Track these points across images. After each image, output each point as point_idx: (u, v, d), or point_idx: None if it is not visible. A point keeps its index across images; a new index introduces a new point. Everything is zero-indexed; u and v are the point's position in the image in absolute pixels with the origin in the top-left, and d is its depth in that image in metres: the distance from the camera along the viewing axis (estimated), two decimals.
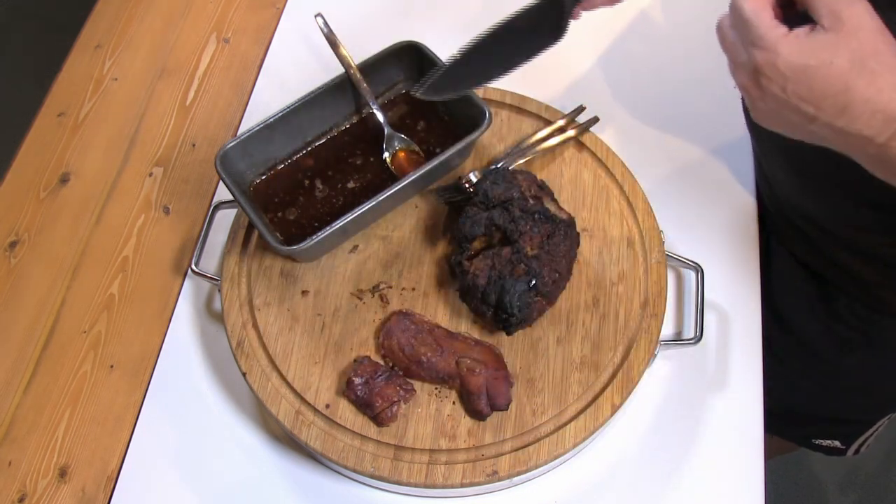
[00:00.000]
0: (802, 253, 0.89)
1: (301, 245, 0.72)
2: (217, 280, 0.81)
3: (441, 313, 0.77)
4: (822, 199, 0.80)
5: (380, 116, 0.83)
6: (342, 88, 0.83)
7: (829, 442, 1.09)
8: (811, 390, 1.00)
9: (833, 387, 0.98)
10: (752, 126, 0.91)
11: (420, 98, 0.70)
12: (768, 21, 0.53)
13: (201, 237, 0.83)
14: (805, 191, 0.81)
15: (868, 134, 0.52)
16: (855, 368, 0.93)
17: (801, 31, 0.52)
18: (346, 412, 0.72)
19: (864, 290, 0.84)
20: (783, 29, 0.52)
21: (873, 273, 0.81)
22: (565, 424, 0.70)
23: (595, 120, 0.86)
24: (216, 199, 0.91)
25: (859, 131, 0.52)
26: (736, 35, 0.55)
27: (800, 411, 1.06)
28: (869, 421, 1.03)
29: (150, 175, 0.94)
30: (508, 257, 0.72)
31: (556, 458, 0.69)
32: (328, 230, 0.73)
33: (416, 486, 0.69)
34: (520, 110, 0.89)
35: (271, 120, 0.80)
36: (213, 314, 0.85)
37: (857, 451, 1.08)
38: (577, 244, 0.75)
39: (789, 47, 0.52)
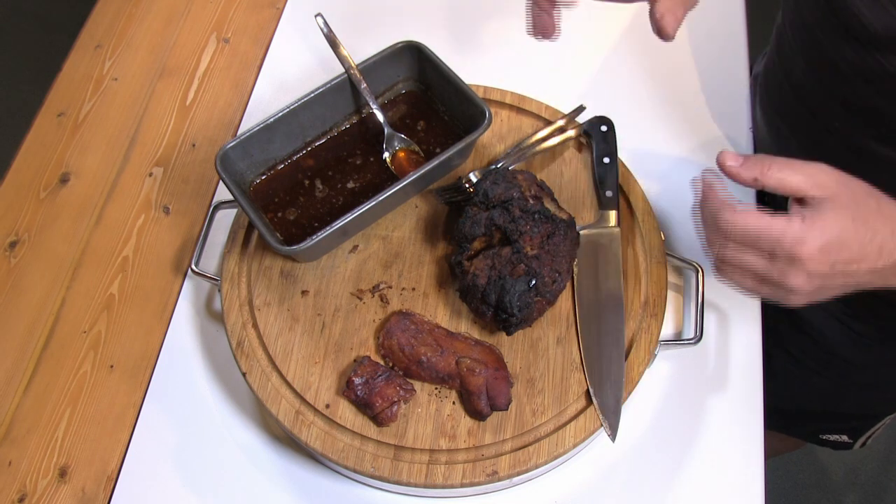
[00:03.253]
0: None
1: (301, 245, 0.72)
2: (217, 280, 0.81)
3: (441, 313, 0.77)
4: None
5: (380, 116, 0.83)
6: (342, 88, 0.83)
7: (836, 437, 1.09)
8: (825, 387, 1.00)
9: (848, 384, 0.98)
10: (766, 116, 0.91)
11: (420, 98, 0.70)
12: (780, 221, 0.56)
13: (201, 237, 0.83)
14: None
15: None
16: (871, 365, 0.93)
17: (804, 211, 0.56)
18: (346, 412, 0.72)
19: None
20: (794, 218, 0.56)
21: None
22: (565, 424, 0.70)
23: (596, 119, 0.86)
24: (216, 199, 0.91)
25: None
26: (754, 254, 0.57)
27: (812, 409, 1.06)
28: (879, 415, 1.03)
29: (150, 175, 0.94)
30: (508, 257, 0.72)
31: (556, 458, 0.69)
32: (328, 230, 0.73)
33: (416, 486, 0.69)
34: (520, 110, 0.89)
35: (271, 120, 0.80)
36: (213, 314, 0.85)
37: (863, 444, 1.09)
38: (577, 244, 0.75)
39: (820, 229, 0.55)
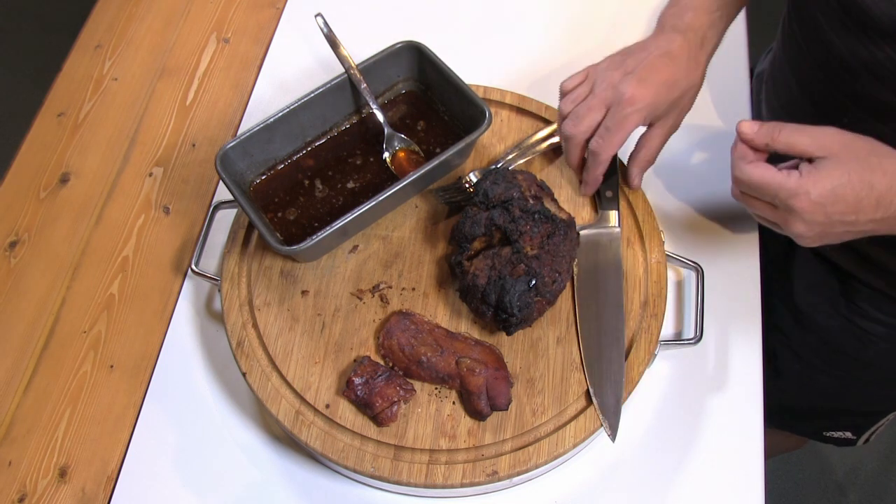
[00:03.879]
0: (826, 247, 0.89)
1: (301, 245, 0.72)
2: (217, 280, 0.81)
3: (441, 313, 0.77)
4: None
5: (380, 116, 0.83)
6: (342, 88, 0.83)
7: (840, 433, 1.09)
8: (830, 385, 1.00)
9: (853, 381, 0.98)
10: (772, 112, 0.91)
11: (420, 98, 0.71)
12: (780, 175, 0.62)
13: (201, 237, 0.83)
14: None
15: None
16: (875, 361, 0.93)
17: (806, 167, 0.62)
18: (346, 412, 0.72)
19: (890, 282, 0.84)
20: (793, 173, 0.62)
21: None
22: (565, 424, 0.70)
23: None
24: (216, 199, 0.91)
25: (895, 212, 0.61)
26: (760, 201, 0.65)
27: (816, 406, 1.06)
28: (883, 411, 1.03)
29: (150, 175, 0.94)
30: (508, 257, 0.72)
31: (556, 458, 0.69)
32: (328, 230, 0.73)
33: (416, 486, 0.69)
34: (520, 110, 0.89)
35: (271, 120, 0.80)
36: (213, 314, 0.85)
37: (867, 441, 1.09)
38: (577, 244, 0.75)
39: (813, 183, 0.61)
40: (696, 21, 0.76)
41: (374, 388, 0.70)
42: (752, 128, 0.65)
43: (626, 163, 0.84)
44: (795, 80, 0.83)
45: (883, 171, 0.61)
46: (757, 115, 0.95)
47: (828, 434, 1.10)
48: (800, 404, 1.05)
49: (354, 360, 0.74)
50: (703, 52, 0.77)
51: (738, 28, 1.03)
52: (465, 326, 0.76)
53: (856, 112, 0.74)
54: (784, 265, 0.94)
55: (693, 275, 0.82)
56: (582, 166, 0.80)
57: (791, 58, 0.83)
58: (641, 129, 0.77)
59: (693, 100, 0.79)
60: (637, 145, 0.80)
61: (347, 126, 0.86)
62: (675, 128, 0.79)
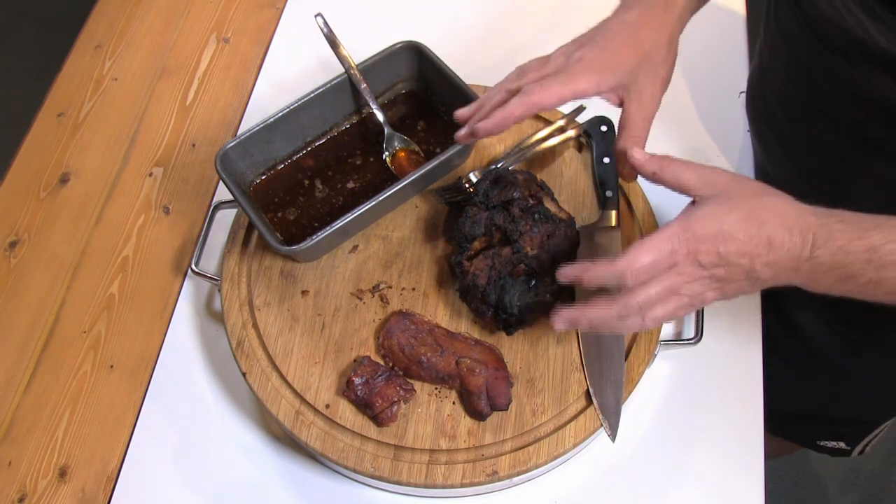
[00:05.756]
0: None
1: (301, 245, 0.72)
2: (217, 280, 0.81)
3: (441, 313, 0.77)
4: (828, 199, 0.80)
5: (380, 116, 0.83)
6: (342, 88, 0.83)
7: (834, 443, 1.09)
8: (817, 392, 1.00)
9: (839, 389, 0.98)
10: (754, 126, 0.91)
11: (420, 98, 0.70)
12: (662, 233, 0.58)
13: (201, 237, 0.83)
14: (810, 191, 0.81)
15: (795, 252, 0.57)
16: (861, 370, 0.93)
17: (691, 206, 0.60)
18: (346, 412, 0.72)
19: None
20: (673, 222, 0.58)
21: None
22: (565, 424, 0.70)
23: (596, 119, 0.86)
24: (216, 199, 0.91)
25: (789, 252, 0.57)
26: (656, 281, 0.58)
27: (806, 413, 1.06)
28: (875, 421, 1.03)
29: (150, 175, 0.94)
30: (508, 257, 0.72)
31: (556, 458, 0.69)
32: (328, 230, 0.73)
33: (416, 486, 0.69)
34: None
35: (271, 120, 0.80)
36: (213, 314, 0.85)
37: (861, 452, 1.08)
38: (577, 244, 0.75)
39: (691, 222, 0.57)
40: None
41: (374, 388, 0.70)
42: (643, 155, 0.63)
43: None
44: (771, 93, 0.83)
45: (772, 210, 0.58)
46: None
47: (821, 444, 1.10)
48: (789, 410, 1.05)
49: (354, 360, 0.74)
50: (669, 14, 0.69)
51: (738, 30, 1.03)
52: (465, 326, 0.76)
53: (827, 126, 0.74)
54: None
55: None
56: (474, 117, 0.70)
57: (766, 71, 0.84)
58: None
59: (665, 65, 0.70)
60: (618, 127, 0.72)
61: (347, 126, 0.86)
62: (653, 103, 0.70)
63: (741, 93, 0.96)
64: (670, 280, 0.58)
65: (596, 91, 0.67)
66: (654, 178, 0.63)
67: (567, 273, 0.60)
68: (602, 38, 0.68)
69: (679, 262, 0.58)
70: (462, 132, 0.70)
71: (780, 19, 0.76)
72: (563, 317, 0.61)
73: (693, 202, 0.61)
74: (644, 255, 0.58)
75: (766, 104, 0.84)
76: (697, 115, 0.96)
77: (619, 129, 0.71)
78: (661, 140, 0.94)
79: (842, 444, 1.08)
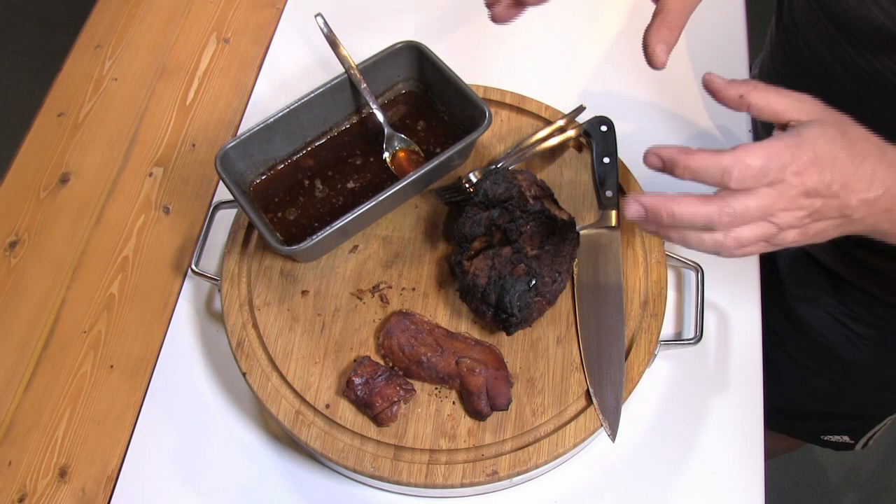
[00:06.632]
0: (816, 249, 0.89)
1: (301, 245, 0.72)
2: (217, 280, 0.81)
3: (441, 313, 0.77)
4: None
5: (380, 116, 0.83)
6: (342, 88, 0.83)
7: (838, 437, 1.09)
8: (825, 388, 1.00)
9: (847, 384, 0.98)
10: (755, 124, 0.92)
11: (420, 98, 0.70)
12: (767, 143, 0.52)
13: (201, 237, 0.83)
14: None
15: (895, 192, 0.53)
16: (870, 365, 0.93)
17: (789, 131, 0.53)
18: (346, 412, 0.72)
19: (881, 286, 0.84)
20: (779, 136, 0.52)
21: (891, 268, 0.81)
22: (565, 424, 0.70)
23: (596, 119, 0.86)
24: (216, 199, 0.91)
25: (888, 191, 0.53)
26: (756, 193, 0.53)
27: (812, 409, 1.06)
28: (879, 415, 1.03)
29: (150, 175, 0.94)
30: (508, 257, 0.72)
31: (556, 458, 0.69)
32: (328, 230, 0.73)
33: (416, 486, 0.69)
34: (520, 110, 0.89)
35: (271, 120, 0.80)
36: (213, 314, 0.85)
37: (864, 445, 1.09)
38: (577, 244, 0.75)
39: (804, 142, 0.51)
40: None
41: (374, 388, 0.70)
42: (722, 80, 0.56)
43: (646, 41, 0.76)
44: (783, 86, 0.83)
45: (871, 141, 0.54)
46: (754, 118, 0.95)
47: (825, 438, 1.10)
48: (796, 407, 1.05)
49: (354, 360, 0.74)
50: None
51: (738, 28, 1.03)
52: (465, 326, 0.76)
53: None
54: (775, 268, 0.95)
55: (693, 275, 0.82)
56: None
57: (777, 62, 0.84)
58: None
59: None
60: (654, 14, 0.63)
61: (347, 126, 0.86)
62: None
63: (752, 77, 0.95)
64: (771, 199, 0.52)
65: None
66: (739, 102, 0.55)
67: (660, 152, 0.53)
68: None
69: (786, 181, 0.52)
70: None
71: (796, 13, 0.76)
72: (641, 202, 0.53)
73: (784, 129, 0.55)
74: (756, 156, 0.51)
75: None
76: (697, 107, 0.96)
77: (653, 15, 0.62)
78: (663, 133, 0.94)
79: (846, 438, 1.08)
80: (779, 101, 0.55)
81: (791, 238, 0.55)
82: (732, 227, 0.53)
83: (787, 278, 0.92)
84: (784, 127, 0.55)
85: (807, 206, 0.53)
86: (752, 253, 0.56)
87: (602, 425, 0.70)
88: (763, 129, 0.92)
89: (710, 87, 0.57)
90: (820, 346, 0.95)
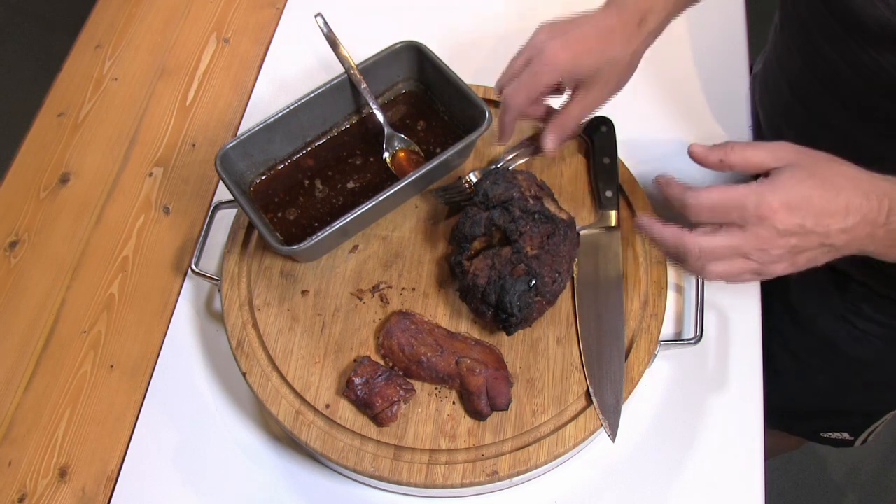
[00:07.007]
0: None
1: (301, 245, 0.72)
2: (217, 280, 0.81)
3: (441, 313, 0.77)
4: None
5: (380, 116, 0.83)
6: (342, 88, 0.83)
7: (837, 434, 1.09)
8: (829, 386, 1.00)
9: (851, 381, 0.98)
10: (754, 123, 0.92)
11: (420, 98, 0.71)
12: (738, 188, 0.58)
13: (201, 237, 0.83)
14: None
15: (872, 217, 0.57)
16: (873, 362, 0.93)
17: (766, 179, 0.59)
18: (346, 412, 0.72)
19: (886, 283, 0.84)
20: (753, 184, 0.58)
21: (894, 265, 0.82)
22: (565, 424, 0.70)
23: (596, 119, 0.86)
24: (216, 199, 0.91)
25: (865, 218, 0.57)
26: (726, 231, 0.59)
27: (813, 407, 1.06)
28: (880, 412, 1.04)
29: (150, 175, 0.94)
30: (508, 257, 0.72)
31: (556, 458, 0.69)
32: (328, 230, 0.73)
33: (416, 486, 0.69)
34: None
35: (271, 120, 0.80)
36: (213, 314, 0.85)
37: (864, 442, 1.09)
38: (577, 244, 0.75)
39: (780, 187, 0.57)
40: (641, 2, 0.72)
41: (374, 388, 0.70)
42: (703, 148, 0.64)
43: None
44: (786, 81, 0.83)
45: (845, 176, 0.59)
46: (755, 116, 0.95)
47: (825, 435, 1.10)
48: (797, 405, 1.05)
49: (354, 360, 0.74)
50: (640, 32, 0.72)
51: (738, 28, 1.03)
52: (465, 326, 0.76)
53: (844, 113, 0.74)
54: None
55: (693, 275, 0.82)
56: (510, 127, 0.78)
57: (781, 59, 0.84)
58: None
59: (619, 78, 0.74)
60: (557, 111, 0.77)
61: (347, 126, 0.86)
62: (596, 102, 0.75)
63: (753, 75, 0.96)
64: (740, 240, 0.58)
65: (557, 82, 0.72)
66: (721, 166, 0.62)
67: (658, 180, 0.63)
68: (570, 35, 0.71)
69: (751, 223, 0.58)
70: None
71: (800, 10, 0.76)
72: (638, 221, 0.65)
73: (765, 175, 0.60)
74: (713, 193, 0.58)
75: (781, 92, 0.84)
76: (697, 107, 0.96)
77: (555, 113, 0.76)
78: (663, 133, 0.94)
79: (845, 435, 1.08)
80: (755, 154, 0.60)
81: (780, 269, 0.60)
82: (706, 262, 0.60)
83: (790, 276, 0.93)
84: (766, 175, 0.60)
85: (783, 244, 0.58)
86: (745, 281, 0.62)
87: (602, 425, 0.70)
88: (766, 130, 0.92)
89: (693, 157, 0.64)
90: (824, 344, 0.95)
